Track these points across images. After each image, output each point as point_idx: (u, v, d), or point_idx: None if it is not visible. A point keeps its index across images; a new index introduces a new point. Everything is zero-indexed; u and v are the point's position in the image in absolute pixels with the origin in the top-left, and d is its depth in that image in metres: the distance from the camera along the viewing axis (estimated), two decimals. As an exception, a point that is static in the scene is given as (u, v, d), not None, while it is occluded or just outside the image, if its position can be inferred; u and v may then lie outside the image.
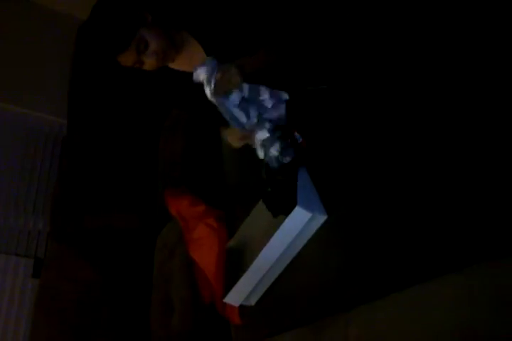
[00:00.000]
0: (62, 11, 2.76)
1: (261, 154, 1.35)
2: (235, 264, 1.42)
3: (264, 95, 1.33)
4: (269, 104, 1.34)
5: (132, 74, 1.57)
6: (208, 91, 1.34)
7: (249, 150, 1.42)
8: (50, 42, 2.63)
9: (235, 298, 1.33)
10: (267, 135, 1.31)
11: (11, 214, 2.39)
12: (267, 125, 1.32)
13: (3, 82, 2.49)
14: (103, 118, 2.38)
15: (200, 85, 1.36)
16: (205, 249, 1.62)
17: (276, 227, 1.18)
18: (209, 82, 1.32)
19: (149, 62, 1.38)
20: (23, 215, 2.42)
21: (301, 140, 1.32)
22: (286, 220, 1.15)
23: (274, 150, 1.29)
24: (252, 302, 1.34)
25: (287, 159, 1.28)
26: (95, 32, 1.34)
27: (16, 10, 2.65)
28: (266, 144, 1.32)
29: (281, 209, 1.19)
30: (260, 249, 1.21)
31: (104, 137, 2.35)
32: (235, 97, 1.31)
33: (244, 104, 1.33)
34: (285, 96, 1.34)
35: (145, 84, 1.87)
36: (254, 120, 1.33)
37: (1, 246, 2.31)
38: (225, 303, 1.39)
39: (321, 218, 1.17)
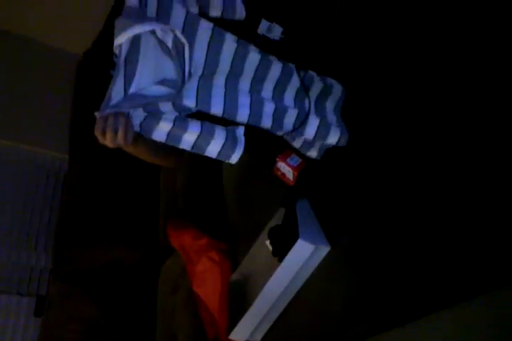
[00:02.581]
0: (62, 49, 2.81)
1: None
2: (238, 298, 1.40)
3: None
4: None
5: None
6: None
7: (251, 183, 1.42)
8: (51, 79, 2.67)
9: (240, 334, 1.30)
10: None
11: (12, 252, 2.38)
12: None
13: (4, 119, 2.52)
14: (104, 154, 2.39)
15: None
16: (208, 283, 1.60)
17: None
18: None
19: None
20: (25, 253, 2.40)
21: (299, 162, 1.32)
22: (290, 253, 1.14)
23: None
24: (258, 338, 1.32)
25: None
26: (99, 77, 1.27)
27: (18, 48, 2.71)
28: None
29: (282, 247, 1.18)
30: (264, 283, 1.20)
31: (105, 172, 2.35)
32: None
33: None
34: None
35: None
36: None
37: (3, 285, 2.29)
38: (229, 340, 1.36)
39: (324, 250, 1.16)
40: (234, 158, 1.13)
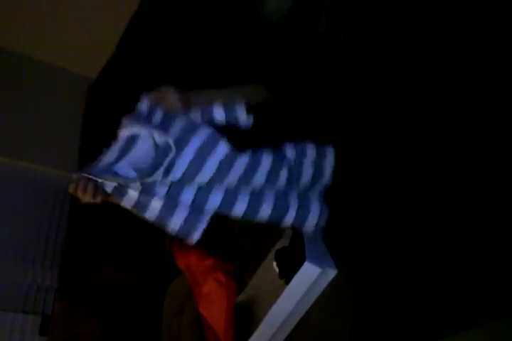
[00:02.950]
0: (72, 70, 2.87)
1: None
2: (245, 320, 1.40)
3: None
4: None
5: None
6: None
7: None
8: (61, 99, 2.71)
9: (246, 356, 1.30)
10: None
11: (18, 270, 2.38)
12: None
13: (13, 138, 2.55)
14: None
15: None
16: (214, 305, 1.60)
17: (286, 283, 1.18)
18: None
19: None
20: (31, 271, 2.41)
21: None
22: (296, 276, 1.15)
23: None
24: (264, 361, 1.31)
25: None
26: (110, 100, 1.36)
27: (28, 69, 2.76)
28: None
29: (289, 269, 1.19)
30: (270, 305, 1.21)
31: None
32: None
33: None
34: None
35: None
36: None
37: (9, 303, 2.29)
38: (235, 362, 1.36)
39: (331, 273, 1.16)
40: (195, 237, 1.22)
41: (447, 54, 1.09)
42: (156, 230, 2.26)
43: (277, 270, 1.28)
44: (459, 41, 1.07)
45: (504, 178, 0.86)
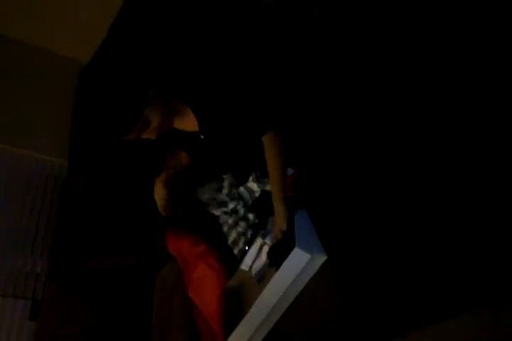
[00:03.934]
0: (64, 55, 2.83)
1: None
2: (234, 305, 1.41)
3: None
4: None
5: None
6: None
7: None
8: (52, 85, 2.68)
9: (236, 341, 1.31)
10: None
11: (9, 256, 2.38)
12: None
13: (3, 123, 2.53)
14: (103, 161, 2.41)
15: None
16: (204, 290, 1.61)
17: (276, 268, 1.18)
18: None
19: (150, 137, 1.36)
20: (21, 257, 2.40)
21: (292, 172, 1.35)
22: (286, 261, 1.15)
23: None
24: (254, 345, 1.32)
25: None
26: (100, 117, 1.30)
27: (18, 53, 2.73)
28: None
29: (279, 256, 1.20)
30: (260, 291, 1.21)
31: (104, 179, 2.37)
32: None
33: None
34: None
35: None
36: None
37: (-1, 288, 2.29)
38: (225, 347, 1.37)
39: (321, 258, 1.17)
40: None
41: (442, 41, 1.09)
42: (147, 216, 2.27)
43: (268, 260, 1.28)
44: (454, 29, 1.07)
45: (494, 175, 0.87)
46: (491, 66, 0.93)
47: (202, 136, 1.39)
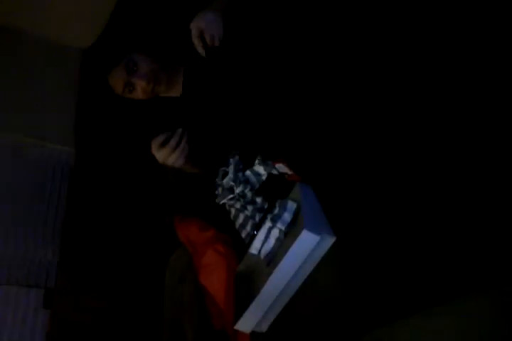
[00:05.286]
0: (66, 43, 2.82)
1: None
2: (245, 289, 1.40)
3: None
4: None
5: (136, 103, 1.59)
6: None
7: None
8: (56, 73, 2.68)
9: (245, 324, 1.31)
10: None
11: (20, 245, 2.39)
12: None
13: (8, 112, 2.53)
14: (111, 146, 2.41)
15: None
16: (214, 275, 1.61)
17: (285, 251, 1.17)
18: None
19: (140, 85, 1.39)
20: (32, 246, 2.42)
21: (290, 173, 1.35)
22: (295, 244, 1.14)
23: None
24: (264, 328, 1.32)
25: None
26: (105, 70, 1.38)
27: (20, 42, 2.72)
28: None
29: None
30: (269, 274, 1.20)
31: (112, 167, 2.37)
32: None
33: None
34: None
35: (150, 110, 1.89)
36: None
37: (12, 277, 2.31)
38: (236, 330, 1.37)
39: (330, 240, 1.15)
40: None
41: (443, 38, 1.06)
42: (156, 202, 2.27)
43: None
44: (455, 27, 1.04)
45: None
46: (491, 65, 0.91)
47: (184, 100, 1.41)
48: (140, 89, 1.44)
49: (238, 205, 1.44)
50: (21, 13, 2.66)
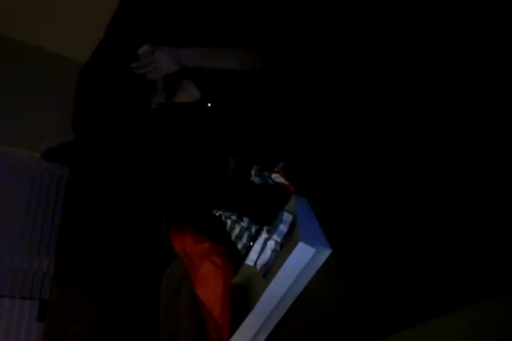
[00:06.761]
0: (65, 56, 2.83)
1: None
2: (241, 301, 1.40)
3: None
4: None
5: (133, 112, 1.60)
6: None
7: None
8: (53, 85, 2.69)
9: (242, 337, 1.31)
10: None
11: (15, 257, 2.38)
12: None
13: (4, 125, 2.53)
14: (106, 158, 2.41)
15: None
16: (210, 287, 1.60)
17: (281, 263, 1.17)
18: None
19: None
20: (27, 257, 2.41)
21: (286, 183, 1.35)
22: (291, 256, 1.14)
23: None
24: (260, 340, 1.32)
25: None
26: (101, 84, 1.37)
27: (17, 53, 2.73)
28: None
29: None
30: (266, 286, 1.20)
31: (107, 178, 2.37)
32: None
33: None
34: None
35: (147, 119, 1.90)
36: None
37: (6, 289, 2.29)
38: (232, 342, 1.37)
39: (326, 252, 1.16)
40: None
41: (443, 37, 1.07)
42: (152, 214, 2.28)
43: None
44: (455, 26, 1.05)
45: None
46: (491, 65, 0.92)
47: (209, 104, 1.41)
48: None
49: (234, 217, 1.45)
50: (19, 23, 2.68)
